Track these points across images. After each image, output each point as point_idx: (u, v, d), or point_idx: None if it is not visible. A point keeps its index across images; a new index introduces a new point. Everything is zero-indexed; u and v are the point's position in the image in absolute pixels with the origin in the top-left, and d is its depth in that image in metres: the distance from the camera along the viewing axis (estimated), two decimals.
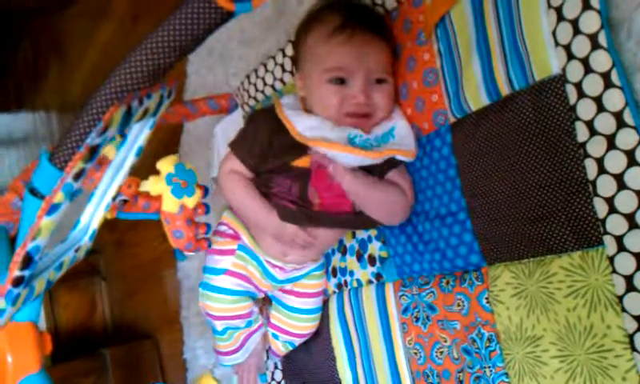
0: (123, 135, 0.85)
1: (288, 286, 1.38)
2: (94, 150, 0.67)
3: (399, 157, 1.12)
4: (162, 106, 0.80)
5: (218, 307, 1.34)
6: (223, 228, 1.37)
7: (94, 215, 0.93)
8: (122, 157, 0.88)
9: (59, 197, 0.69)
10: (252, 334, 1.41)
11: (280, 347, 1.45)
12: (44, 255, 0.79)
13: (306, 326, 1.40)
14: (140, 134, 0.85)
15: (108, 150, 0.89)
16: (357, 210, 1.18)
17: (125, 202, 1.11)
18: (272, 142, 1.17)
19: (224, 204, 1.57)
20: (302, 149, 1.14)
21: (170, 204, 1.14)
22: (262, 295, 1.41)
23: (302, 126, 1.13)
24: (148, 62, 0.70)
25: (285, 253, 1.29)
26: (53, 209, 0.70)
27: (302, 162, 1.16)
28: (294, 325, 1.40)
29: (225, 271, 1.32)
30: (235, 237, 1.34)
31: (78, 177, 0.69)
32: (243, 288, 1.34)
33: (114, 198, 0.93)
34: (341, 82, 1.11)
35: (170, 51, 0.70)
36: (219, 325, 1.36)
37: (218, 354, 1.45)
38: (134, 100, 0.70)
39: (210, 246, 1.33)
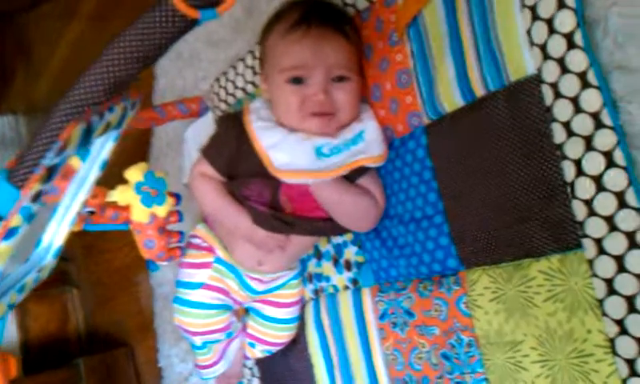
0: (87, 147, 0.81)
1: (265, 297, 1.35)
2: (51, 170, 0.63)
3: (369, 164, 1.10)
4: (125, 118, 0.77)
5: (196, 323, 1.30)
6: (197, 241, 1.32)
7: (57, 233, 0.89)
8: (86, 171, 0.84)
9: (17, 220, 0.65)
10: (230, 342, 1.38)
11: (257, 354, 1.42)
12: (4, 278, 0.75)
13: (285, 335, 1.37)
14: (103, 146, 0.81)
15: (74, 161, 0.86)
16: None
17: (91, 213, 1.07)
18: (240, 146, 1.14)
19: (198, 213, 1.54)
20: None
21: (139, 214, 1.11)
22: (237, 307, 1.37)
23: (267, 142, 1.09)
24: (108, 74, 0.67)
25: (260, 262, 1.25)
26: (10, 233, 0.66)
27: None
28: (272, 334, 1.37)
29: (202, 285, 1.28)
30: (210, 250, 1.30)
31: (36, 198, 0.65)
32: (221, 301, 1.30)
33: (78, 213, 0.90)
34: (299, 81, 1.07)
35: (130, 62, 0.67)
36: (198, 340, 1.33)
37: (198, 367, 1.42)
38: (93, 115, 0.66)
39: (183, 254, 1.29)
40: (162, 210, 1.10)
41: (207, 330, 1.31)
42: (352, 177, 1.13)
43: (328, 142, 1.07)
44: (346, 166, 1.07)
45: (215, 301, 1.29)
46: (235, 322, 1.37)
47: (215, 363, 1.38)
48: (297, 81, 1.07)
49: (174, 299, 1.31)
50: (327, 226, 1.17)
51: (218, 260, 1.28)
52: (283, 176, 1.07)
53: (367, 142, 1.10)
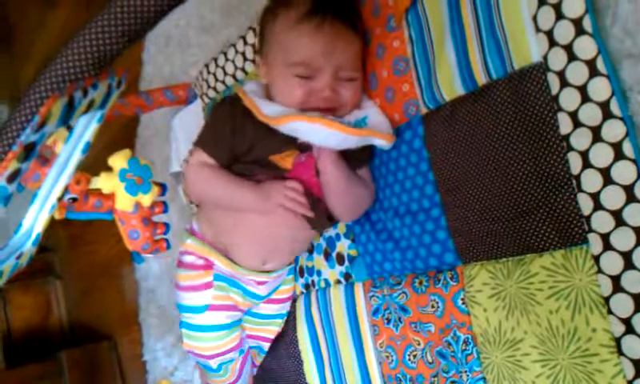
0: (69, 128, 0.77)
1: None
2: (30, 148, 0.59)
3: (377, 141, 1.04)
4: (110, 98, 0.73)
5: (209, 346, 1.24)
6: (190, 259, 1.22)
7: (37, 218, 0.85)
8: (68, 153, 0.80)
9: None
10: (245, 360, 1.34)
11: (259, 360, 1.40)
12: None
13: (276, 329, 1.35)
14: (87, 128, 0.77)
15: (55, 140, 0.81)
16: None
17: (74, 200, 1.03)
18: (239, 131, 1.08)
19: (187, 204, 1.50)
20: (278, 142, 1.06)
21: (124, 202, 1.07)
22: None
23: (267, 109, 1.05)
24: (92, 48, 0.63)
25: (264, 261, 1.20)
26: None
27: (282, 160, 1.09)
28: (265, 329, 1.34)
29: (207, 307, 1.21)
30: (207, 266, 1.21)
31: (12, 178, 0.61)
32: (230, 319, 1.24)
33: (59, 198, 0.85)
34: (307, 77, 1.04)
35: (117, 36, 0.63)
36: (213, 363, 1.27)
37: None
38: (76, 91, 0.62)
39: (169, 247, 1.25)
40: (146, 199, 1.06)
41: (221, 351, 1.26)
42: (353, 165, 1.11)
43: (332, 117, 1.03)
44: (360, 130, 1.03)
45: (225, 319, 1.23)
46: (245, 336, 1.33)
47: (234, 383, 1.34)
48: (305, 76, 1.04)
49: (181, 324, 1.25)
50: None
51: (218, 276, 1.21)
52: (289, 119, 1.01)
53: (371, 126, 1.06)
